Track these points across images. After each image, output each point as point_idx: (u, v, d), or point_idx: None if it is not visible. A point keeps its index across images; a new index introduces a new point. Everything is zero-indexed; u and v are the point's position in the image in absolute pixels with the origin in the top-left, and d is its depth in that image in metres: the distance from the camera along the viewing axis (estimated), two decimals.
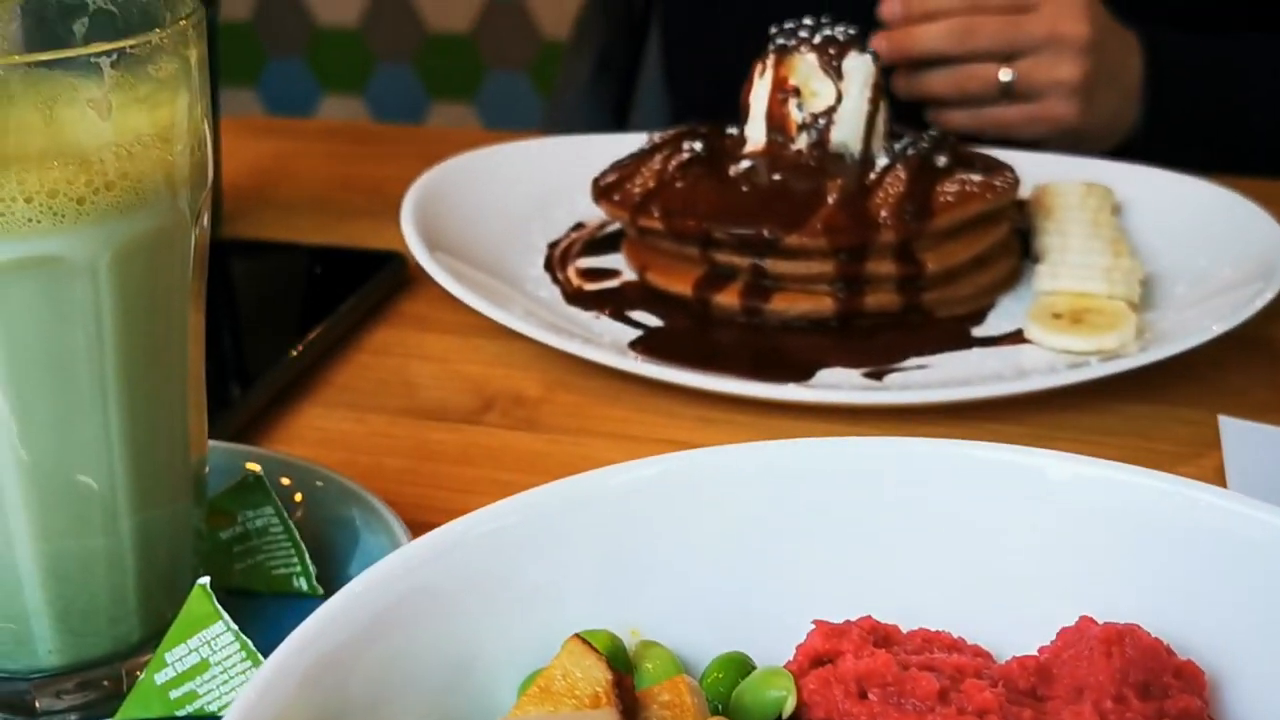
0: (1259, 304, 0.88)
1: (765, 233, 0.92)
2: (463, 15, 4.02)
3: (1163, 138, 1.27)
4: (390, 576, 0.45)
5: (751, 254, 0.94)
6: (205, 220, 0.58)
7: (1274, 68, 1.31)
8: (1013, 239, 1.02)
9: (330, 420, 0.85)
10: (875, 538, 0.48)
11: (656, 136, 1.08)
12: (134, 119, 0.52)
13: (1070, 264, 0.97)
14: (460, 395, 0.88)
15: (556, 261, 1.04)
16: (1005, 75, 1.22)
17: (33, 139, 0.49)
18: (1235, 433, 0.81)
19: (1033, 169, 1.09)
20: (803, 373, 0.89)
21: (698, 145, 1.02)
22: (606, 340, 0.93)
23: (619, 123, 1.77)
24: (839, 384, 0.87)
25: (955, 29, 1.20)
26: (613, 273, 1.03)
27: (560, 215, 1.11)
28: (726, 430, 0.84)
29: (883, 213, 0.92)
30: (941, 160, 0.99)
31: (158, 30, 0.53)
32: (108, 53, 0.50)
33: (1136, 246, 1.04)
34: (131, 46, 0.51)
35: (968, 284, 0.97)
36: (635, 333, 0.94)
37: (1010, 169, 1.01)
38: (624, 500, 0.47)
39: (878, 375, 0.88)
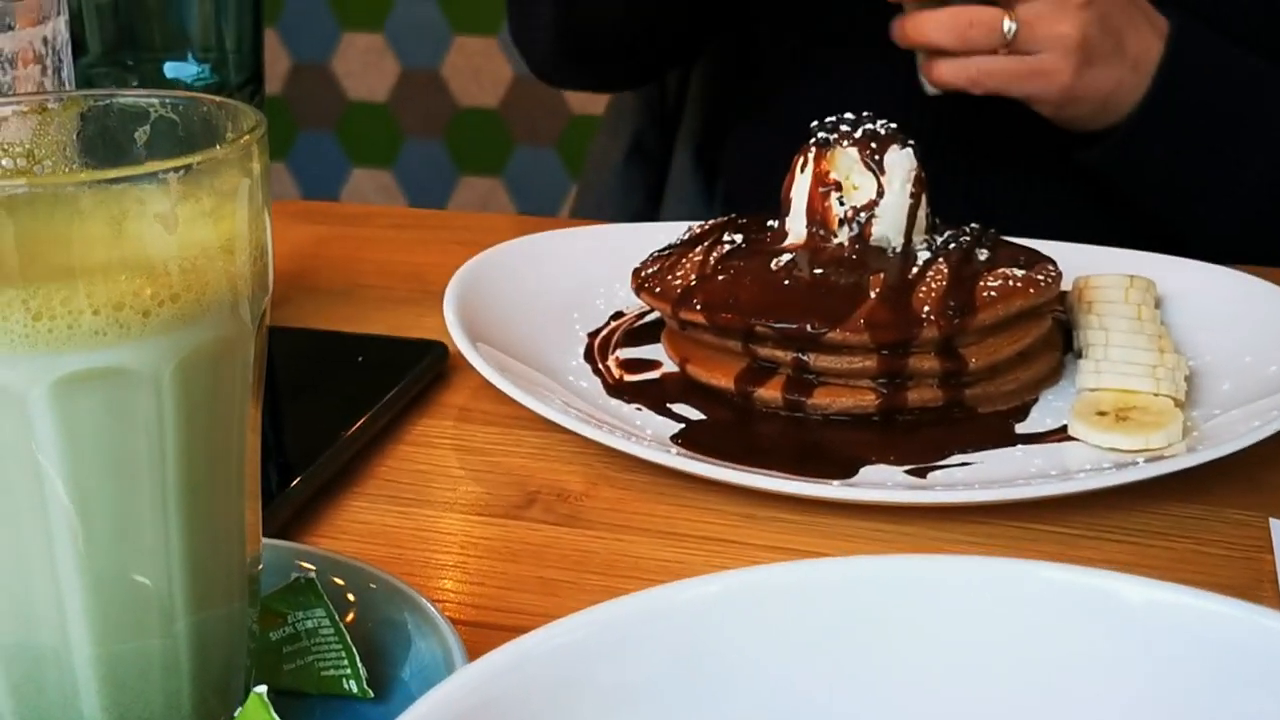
0: None
1: (808, 328, 0.92)
2: (492, 92, 4.05)
3: (1149, 136, 1.23)
4: (456, 694, 0.45)
5: (794, 349, 0.94)
6: (265, 323, 0.58)
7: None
8: (1055, 333, 1.02)
9: (374, 513, 0.85)
10: (942, 662, 0.47)
11: (696, 227, 1.08)
12: (199, 232, 0.52)
13: (1114, 360, 0.97)
14: (503, 489, 0.88)
15: (597, 352, 1.05)
16: (1008, 25, 1.18)
17: (101, 252, 0.50)
18: None
19: (1071, 258, 1.09)
20: (845, 469, 0.89)
21: (738, 238, 1.03)
22: (649, 434, 0.92)
23: (652, 207, 1.78)
24: (882, 481, 0.87)
25: None
26: (653, 364, 1.03)
27: (599, 304, 1.11)
28: (770, 527, 0.84)
29: (925, 308, 0.93)
30: (983, 254, 0.99)
31: (221, 145, 0.54)
32: (176, 169, 0.51)
33: (1180, 341, 1.03)
34: (199, 163, 0.51)
35: (1011, 379, 0.96)
36: (677, 426, 0.94)
37: (1052, 262, 1.01)
38: (697, 617, 0.47)
39: (921, 473, 0.88)
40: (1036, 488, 0.83)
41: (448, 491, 0.88)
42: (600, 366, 1.02)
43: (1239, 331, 1.04)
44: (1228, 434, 0.89)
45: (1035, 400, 0.98)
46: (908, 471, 0.88)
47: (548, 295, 1.10)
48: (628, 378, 1.01)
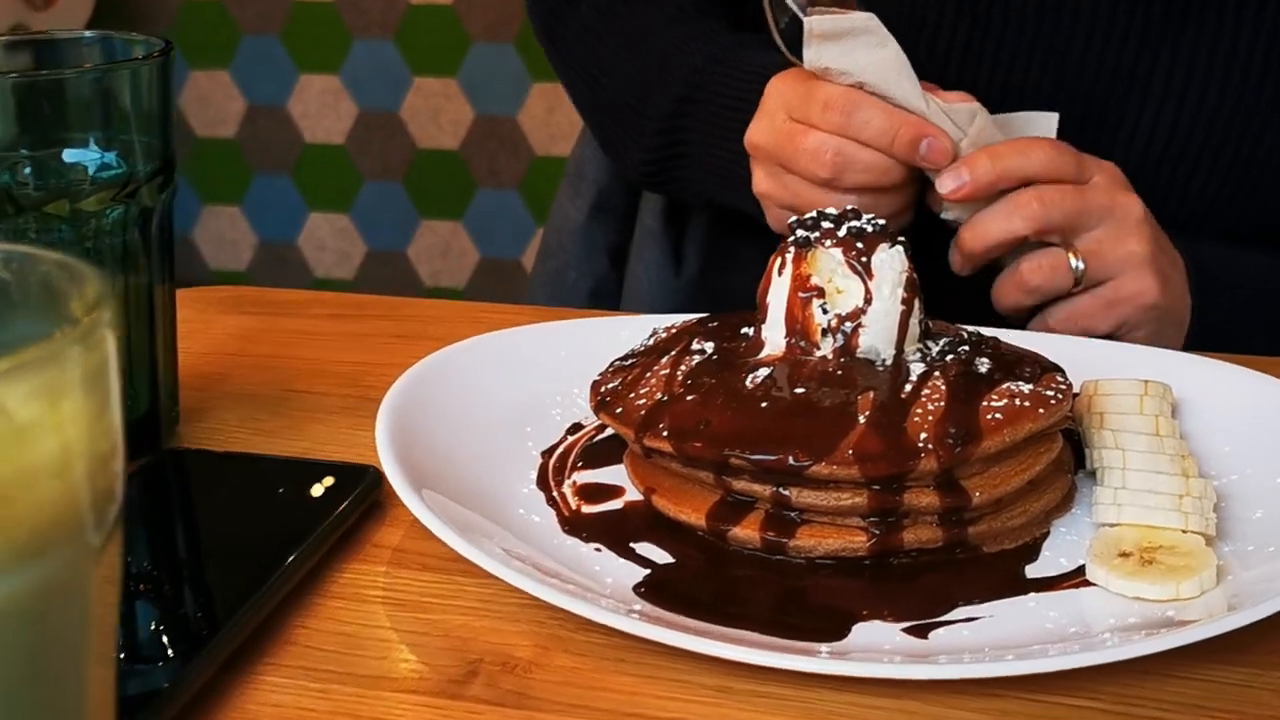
0: None
1: (789, 460, 0.81)
2: (452, 133, 3.95)
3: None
4: None
5: (773, 483, 0.82)
6: (118, 538, 0.46)
7: None
8: (1065, 451, 0.91)
9: (289, 692, 0.73)
10: None
11: (662, 331, 0.97)
12: (14, 450, 0.40)
13: (1134, 489, 0.86)
14: (440, 657, 0.76)
15: (552, 476, 0.93)
16: (1075, 263, 1.11)
17: None
18: None
19: (1076, 355, 0.98)
20: (835, 627, 0.77)
21: (709, 346, 0.91)
22: (609, 582, 0.81)
23: (616, 267, 1.68)
24: (877, 644, 0.76)
25: (1025, 204, 1.09)
26: (615, 490, 0.91)
27: (555, 414, 1.00)
28: (749, 704, 0.72)
29: (922, 435, 0.81)
30: (983, 364, 0.88)
31: (61, 329, 0.42)
32: None
33: (1201, 454, 0.92)
34: (21, 364, 0.40)
35: (1019, 512, 0.85)
36: (641, 572, 0.82)
37: (1061, 372, 0.90)
38: None
39: (921, 631, 0.77)
40: (1055, 660, 0.71)
41: (375, 661, 0.76)
42: (556, 494, 0.91)
43: (1264, 440, 0.94)
44: (1267, 578, 0.78)
45: (1046, 534, 0.86)
46: (906, 630, 0.77)
47: (498, 406, 0.98)
48: (586, 508, 0.89)
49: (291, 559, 0.80)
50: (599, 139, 1.45)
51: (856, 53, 1.10)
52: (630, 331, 1.03)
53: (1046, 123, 1.17)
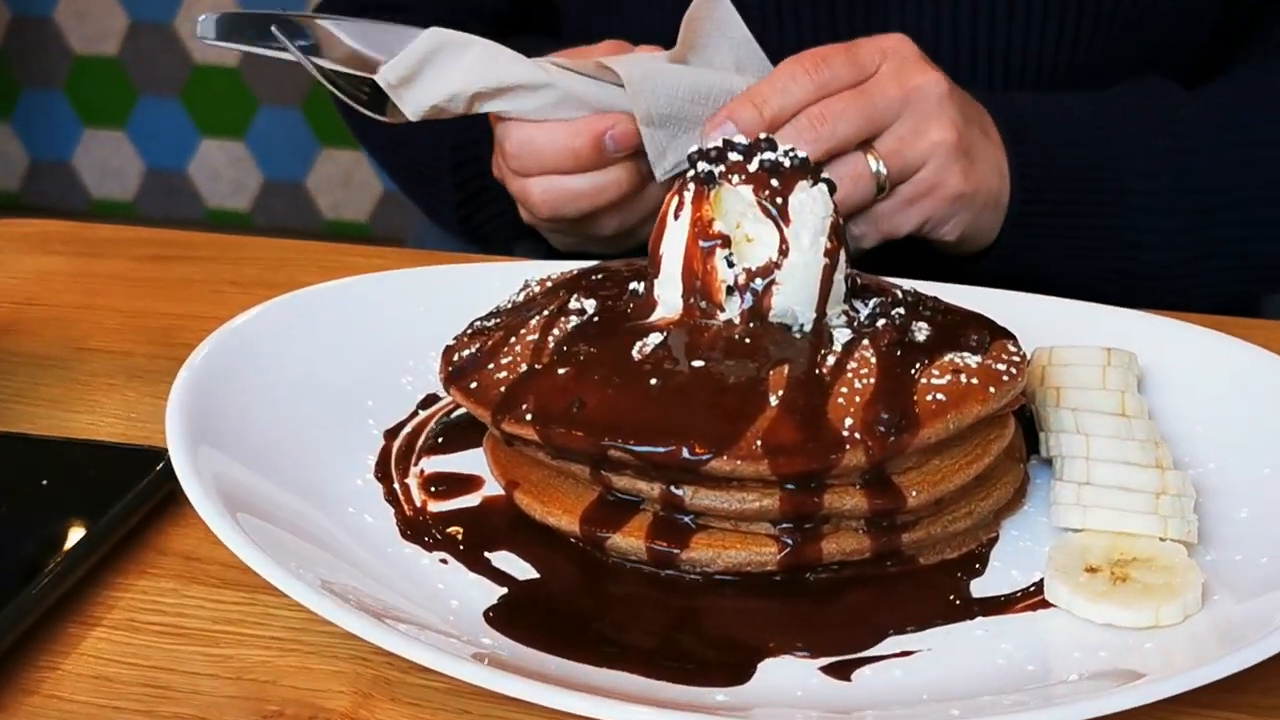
0: None
1: (683, 453, 0.64)
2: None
3: (1038, 212, 1.04)
4: None
5: (663, 479, 0.66)
6: None
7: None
8: (1018, 437, 0.75)
9: None
10: None
11: (535, 284, 0.80)
12: None
13: (1101, 486, 0.70)
14: (227, 711, 0.59)
15: (395, 463, 0.76)
16: (874, 163, 0.96)
17: None
18: None
19: (1026, 316, 0.82)
20: (736, 666, 0.61)
21: (590, 305, 0.74)
22: (454, 608, 0.64)
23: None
24: (788, 690, 0.60)
25: (806, 130, 0.93)
26: (471, 482, 0.75)
27: (405, 384, 0.83)
28: None
29: (847, 421, 0.65)
30: (921, 331, 0.72)
31: None
32: None
33: (1172, 437, 0.77)
34: None
35: (963, 514, 0.70)
36: (496, 592, 0.66)
37: (1012, 339, 0.74)
38: None
39: (843, 671, 0.61)
40: (1010, 718, 0.55)
41: (151, 715, 0.58)
42: (397, 486, 0.74)
43: (1244, 420, 0.79)
44: (1260, 599, 0.64)
45: (995, 539, 0.71)
46: (825, 669, 0.61)
47: (335, 374, 0.81)
48: (434, 506, 0.72)
49: (45, 578, 0.63)
50: (421, 207, 1.32)
51: (453, 76, 0.92)
52: (501, 281, 0.86)
53: (757, 64, 1.00)
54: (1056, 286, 0.96)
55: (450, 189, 1.19)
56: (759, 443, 0.64)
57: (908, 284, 0.79)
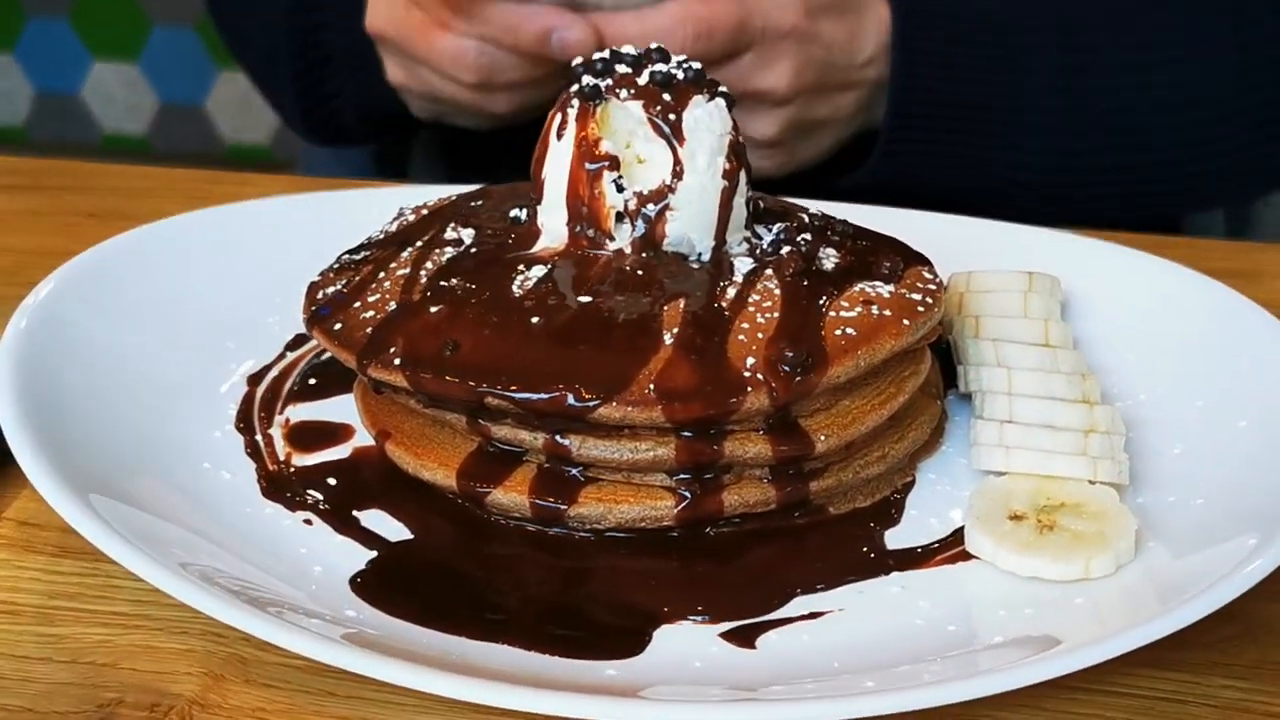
0: None
1: (569, 399, 0.58)
2: None
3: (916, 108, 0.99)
4: None
5: (547, 428, 0.60)
6: None
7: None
8: (935, 372, 0.70)
9: None
10: None
11: (410, 213, 0.73)
12: None
13: (1025, 425, 0.65)
14: (58, 698, 0.52)
15: (258, 411, 0.69)
16: None
17: None
18: None
19: (937, 237, 0.76)
20: (630, 634, 0.56)
21: (466, 235, 0.68)
22: (318, 574, 0.58)
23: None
24: (685, 660, 0.54)
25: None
26: (341, 432, 0.68)
27: (273, 325, 0.76)
28: None
29: (749, 361, 0.59)
30: (830, 259, 0.66)
31: None
32: None
33: (1098, 370, 0.72)
34: None
35: (875, 458, 0.64)
36: (365, 556, 0.60)
37: (928, 265, 0.69)
38: None
39: (747, 638, 0.56)
40: (931, 692, 0.50)
41: None
42: (260, 438, 0.67)
43: (1173, 348, 0.74)
44: (1197, 550, 0.59)
45: (911, 484, 0.66)
46: (726, 635, 0.56)
47: (195, 314, 0.74)
48: (299, 460, 0.66)
49: None
50: (267, 99, 1.23)
51: None
52: (381, 209, 0.79)
53: None
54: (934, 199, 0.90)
55: (289, 61, 1.11)
56: (652, 386, 0.58)
57: (815, 207, 0.73)
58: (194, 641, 0.55)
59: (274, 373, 0.72)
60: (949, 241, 0.79)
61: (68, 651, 0.55)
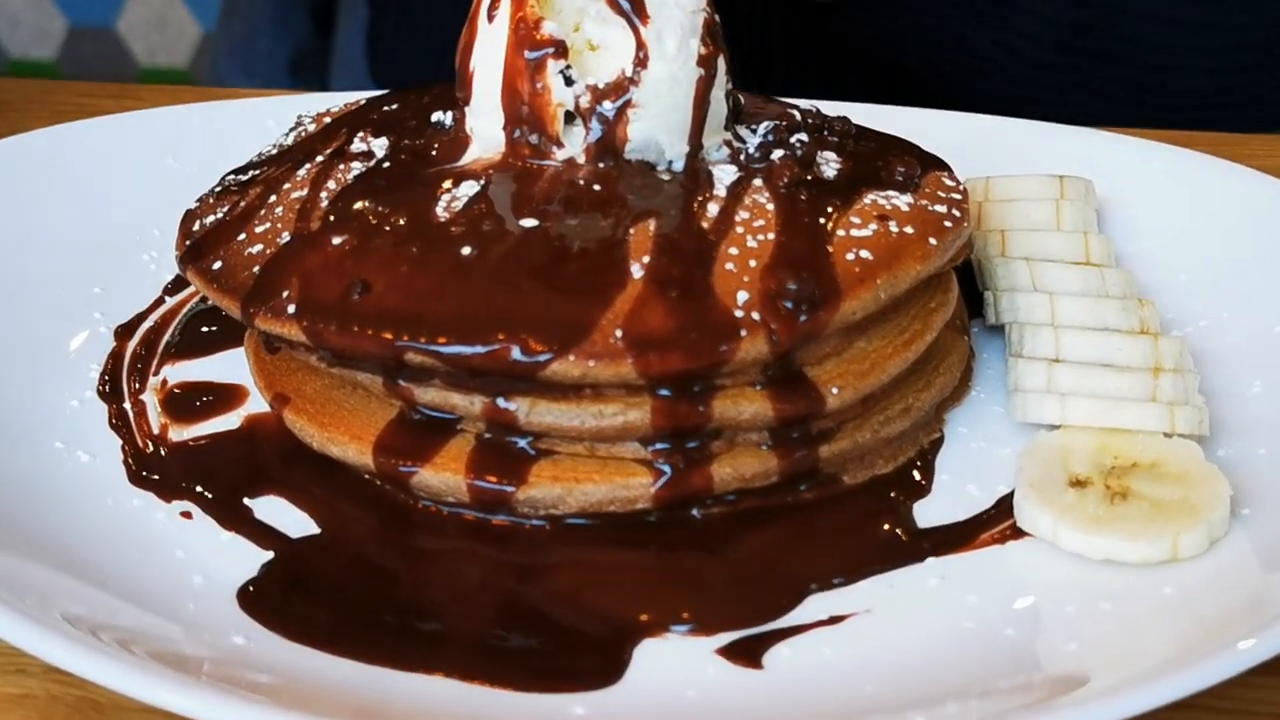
0: None
1: (513, 352, 0.45)
2: None
3: None
4: None
5: (487, 392, 0.47)
6: None
7: None
8: (959, 302, 0.57)
9: None
10: None
11: (309, 121, 0.59)
12: None
13: (1077, 364, 0.53)
14: None
15: (129, 368, 0.56)
16: None
17: None
18: None
19: (945, 134, 0.63)
20: (602, 654, 0.43)
21: (378, 146, 0.54)
22: (199, 585, 0.45)
23: (323, 30, 1.29)
24: (673, 688, 0.42)
25: None
26: (231, 394, 0.55)
27: (148, 263, 0.62)
28: None
29: (741, 296, 0.46)
30: (831, 164, 0.53)
31: None
32: None
33: (1148, 292, 0.60)
34: None
35: (897, 411, 0.51)
36: (259, 557, 0.47)
37: (947, 170, 0.56)
38: None
39: (750, 654, 0.43)
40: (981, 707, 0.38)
41: None
42: (129, 405, 0.54)
43: (1229, 255, 0.62)
44: None
45: (939, 442, 0.53)
46: (724, 652, 0.43)
47: (51, 250, 0.61)
48: (177, 433, 0.53)
49: None
50: None
51: None
52: (278, 120, 0.65)
53: None
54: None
55: None
56: (619, 333, 0.46)
57: (809, 104, 0.60)
58: (32, 684, 0.43)
59: (148, 323, 0.59)
60: (954, 141, 0.66)
61: None
